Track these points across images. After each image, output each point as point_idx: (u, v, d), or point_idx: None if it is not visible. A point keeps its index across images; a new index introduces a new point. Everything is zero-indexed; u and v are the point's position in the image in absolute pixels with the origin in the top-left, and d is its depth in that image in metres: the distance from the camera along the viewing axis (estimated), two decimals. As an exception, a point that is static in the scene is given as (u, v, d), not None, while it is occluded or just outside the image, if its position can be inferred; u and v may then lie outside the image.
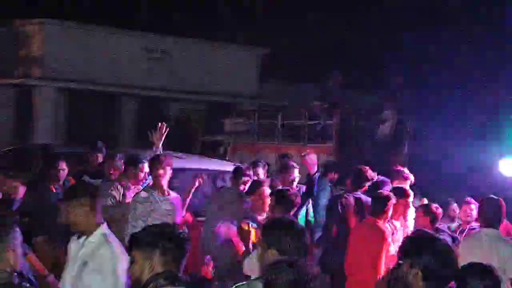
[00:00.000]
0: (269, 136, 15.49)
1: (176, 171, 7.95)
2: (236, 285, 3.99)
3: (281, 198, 6.81)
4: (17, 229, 3.46)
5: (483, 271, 4.13)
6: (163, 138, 7.93)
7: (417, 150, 14.10)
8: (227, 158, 14.29)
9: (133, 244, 3.73)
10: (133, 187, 7.66)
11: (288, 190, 7.10)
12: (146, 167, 7.63)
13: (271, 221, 4.21)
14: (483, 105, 14.37)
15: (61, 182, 8.17)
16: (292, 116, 15.98)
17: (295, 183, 9.10)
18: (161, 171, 7.21)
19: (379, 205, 7.18)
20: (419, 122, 14.70)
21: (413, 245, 3.72)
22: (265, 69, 21.94)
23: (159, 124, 7.91)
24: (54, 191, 8.03)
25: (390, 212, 7.23)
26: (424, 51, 16.86)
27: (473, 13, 16.68)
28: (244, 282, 4.03)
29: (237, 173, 8.39)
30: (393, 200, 7.25)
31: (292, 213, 6.90)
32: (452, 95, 14.86)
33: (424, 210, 7.43)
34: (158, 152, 7.78)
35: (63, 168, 8.19)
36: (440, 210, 7.59)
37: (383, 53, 18.43)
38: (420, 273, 3.56)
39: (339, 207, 8.01)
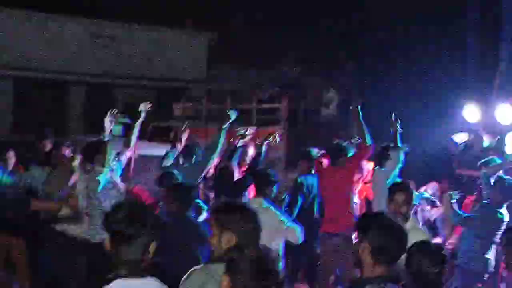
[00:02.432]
0: (219, 120, 15.43)
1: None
2: (193, 268, 3.98)
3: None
4: None
5: (432, 250, 4.25)
6: (113, 124, 7.93)
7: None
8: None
9: None
10: None
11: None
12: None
13: (224, 205, 4.17)
14: (433, 81, 14.46)
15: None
16: (242, 100, 16.01)
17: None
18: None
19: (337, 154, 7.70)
20: (367, 103, 14.82)
21: (364, 221, 3.88)
22: (214, 53, 21.87)
23: (111, 110, 7.89)
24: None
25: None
26: (374, 35, 16.88)
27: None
28: (200, 265, 4.01)
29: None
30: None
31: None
32: (402, 75, 14.93)
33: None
34: (106, 138, 7.79)
35: (10, 157, 8.08)
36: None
37: (331, 38, 18.47)
38: (369, 248, 3.66)
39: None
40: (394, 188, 5.71)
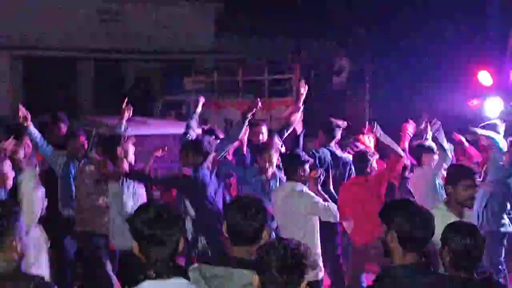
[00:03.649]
0: (231, 92, 15.40)
1: (142, 137, 7.96)
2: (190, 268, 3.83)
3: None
4: (22, 217, 3.38)
5: (466, 230, 4.19)
6: (127, 113, 8.00)
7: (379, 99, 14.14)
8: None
9: None
10: None
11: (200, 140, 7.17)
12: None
13: None
14: (447, 46, 14.23)
15: (27, 158, 8.02)
16: (253, 70, 15.90)
17: (262, 137, 9.02)
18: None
19: (362, 164, 7.45)
20: (379, 70, 14.68)
21: (388, 209, 3.81)
22: (221, 23, 21.69)
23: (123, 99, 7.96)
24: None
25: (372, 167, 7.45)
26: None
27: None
28: (196, 265, 3.84)
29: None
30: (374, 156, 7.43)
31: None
32: (415, 39, 14.68)
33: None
34: (121, 128, 7.84)
35: (28, 143, 8.01)
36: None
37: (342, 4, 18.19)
38: (396, 236, 3.64)
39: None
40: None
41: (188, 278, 3.40)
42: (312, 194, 6.46)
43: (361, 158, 7.60)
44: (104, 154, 7.17)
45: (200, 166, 6.84)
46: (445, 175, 5.58)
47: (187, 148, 7.12)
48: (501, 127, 8.46)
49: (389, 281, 3.62)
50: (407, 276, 3.57)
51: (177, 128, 10.44)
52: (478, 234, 4.17)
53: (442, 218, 4.65)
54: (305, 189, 6.47)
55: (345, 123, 8.51)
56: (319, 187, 6.71)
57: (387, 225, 3.70)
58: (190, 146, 7.14)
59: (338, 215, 6.53)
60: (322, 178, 6.94)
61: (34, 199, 5.46)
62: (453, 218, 4.94)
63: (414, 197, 7.37)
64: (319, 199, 6.45)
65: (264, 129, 8.55)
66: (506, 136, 8.23)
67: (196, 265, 3.80)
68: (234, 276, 3.59)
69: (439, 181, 7.67)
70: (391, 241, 3.66)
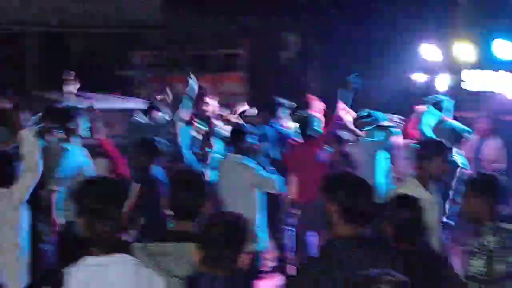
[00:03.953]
0: (179, 67, 15.33)
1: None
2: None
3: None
4: None
5: (406, 202, 4.27)
6: (73, 86, 7.91)
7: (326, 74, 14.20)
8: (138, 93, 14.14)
9: None
10: None
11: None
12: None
13: None
14: (390, 21, 14.31)
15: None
16: (202, 45, 15.83)
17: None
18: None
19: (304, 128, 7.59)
20: (327, 45, 14.72)
21: (329, 182, 3.75)
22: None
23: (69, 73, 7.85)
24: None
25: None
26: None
27: None
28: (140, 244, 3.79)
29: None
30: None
31: None
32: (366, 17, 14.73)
33: None
34: (69, 102, 7.74)
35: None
36: None
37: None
38: (337, 208, 3.58)
39: None
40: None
41: (132, 254, 3.38)
42: (255, 166, 6.51)
43: (302, 124, 7.71)
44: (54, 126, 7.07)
45: (150, 166, 6.28)
46: (418, 150, 5.54)
47: (138, 150, 6.43)
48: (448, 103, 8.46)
49: (329, 253, 3.58)
50: (346, 248, 3.53)
51: (124, 104, 10.45)
52: (418, 206, 4.25)
53: (415, 191, 4.80)
54: (248, 161, 6.53)
55: (293, 103, 8.58)
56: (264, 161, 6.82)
57: (328, 197, 3.64)
58: (141, 148, 6.42)
59: (281, 186, 6.62)
60: (266, 153, 7.04)
61: (37, 158, 5.27)
62: (423, 192, 5.12)
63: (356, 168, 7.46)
64: (261, 170, 6.51)
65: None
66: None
67: (141, 243, 3.76)
68: (181, 251, 3.60)
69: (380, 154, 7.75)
70: (332, 214, 3.59)
